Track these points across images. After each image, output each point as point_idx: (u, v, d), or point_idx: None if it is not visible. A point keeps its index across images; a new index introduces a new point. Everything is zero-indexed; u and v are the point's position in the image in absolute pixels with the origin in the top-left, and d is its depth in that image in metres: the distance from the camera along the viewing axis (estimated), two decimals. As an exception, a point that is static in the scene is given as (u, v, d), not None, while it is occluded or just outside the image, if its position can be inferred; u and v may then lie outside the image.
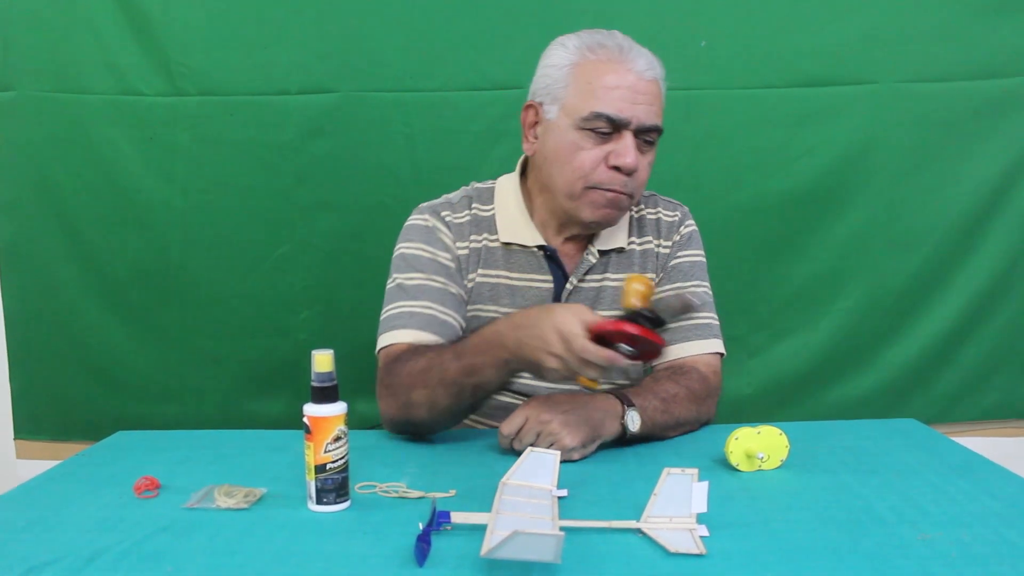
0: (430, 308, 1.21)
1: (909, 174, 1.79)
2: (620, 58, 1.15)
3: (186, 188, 1.79)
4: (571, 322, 0.97)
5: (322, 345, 0.91)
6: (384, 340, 1.21)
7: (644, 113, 1.15)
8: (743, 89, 1.76)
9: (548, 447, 1.01)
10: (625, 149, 1.15)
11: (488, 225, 1.28)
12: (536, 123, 1.23)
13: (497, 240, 1.27)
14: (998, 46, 1.74)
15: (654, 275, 1.30)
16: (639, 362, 0.96)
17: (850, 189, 1.79)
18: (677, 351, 1.26)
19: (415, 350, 1.16)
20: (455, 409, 1.12)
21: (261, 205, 1.79)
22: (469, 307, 1.26)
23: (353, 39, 1.74)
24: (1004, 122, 1.76)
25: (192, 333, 1.83)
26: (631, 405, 1.09)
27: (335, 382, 0.90)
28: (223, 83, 1.75)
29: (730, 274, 1.76)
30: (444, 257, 1.25)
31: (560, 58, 1.19)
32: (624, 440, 1.09)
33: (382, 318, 1.24)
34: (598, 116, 1.14)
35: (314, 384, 0.89)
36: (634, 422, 1.08)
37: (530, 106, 1.23)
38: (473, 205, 1.29)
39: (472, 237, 1.27)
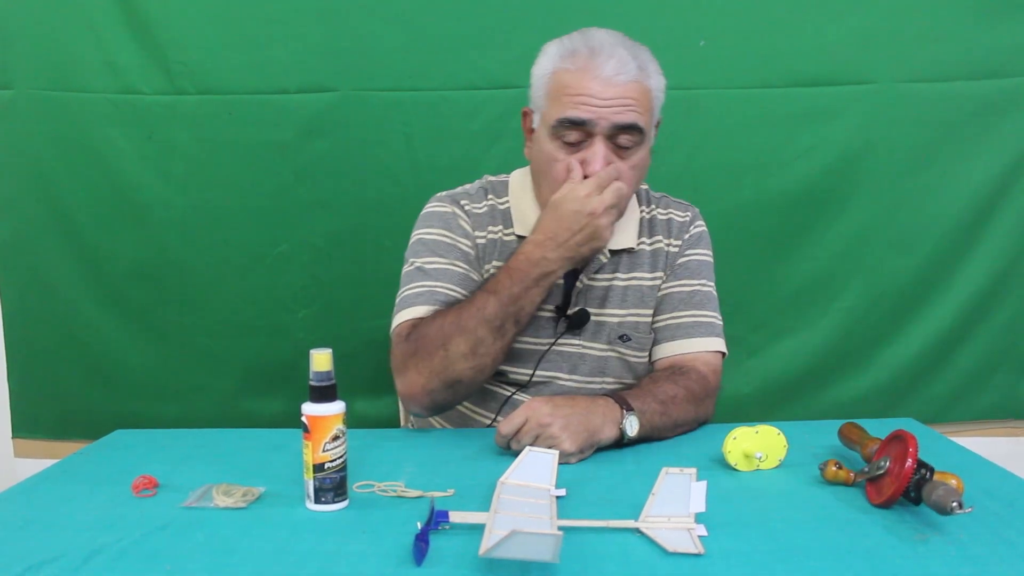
0: (452, 290, 1.20)
1: (908, 174, 1.79)
2: (587, 65, 1.13)
3: (185, 187, 1.79)
4: (570, 194, 1.11)
5: (321, 344, 0.91)
6: (401, 317, 1.20)
7: (612, 115, 1.12)
8: (742, 89, 1.76)
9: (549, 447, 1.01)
10: (593, 156, 1.13)
11: (504, 217, 1.28)
12: (532, 129, 1.24)
13: (512, 233, 1.27)
14: (997, 46, 1.74)
15: (662, 274, 1.30)
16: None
17: (849, 189, 1.80)
18: (677, 348, 1.26)
19: (435, 312, 1.16)
20: (498, 347, 1.13)
21: (260, 204, 1.79)
22: None
23: (352, 38, 1.74)
24: (1003, 122, 1.76)
25: (190, 332, 1.83)
26: (630, 410, 1.09)
27: (333, 381, 0.90)
28: (222, 82, 1.75)
29: (729, 274, 1.74)
30: (464, 244, 1.25)
31: (541, 67, 1.20)
32: (621, 443, 1.09)
33: (398, 299, 1.23)
34: (562, 123, 1.14)
35: (312, 383, 0.89)
36: (632, 427, 1.08)
37: (526, 113, 1.25)
38: (489, 196, 1.30)
39: (489, 228, 1.27)
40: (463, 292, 1.20)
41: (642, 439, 1.10)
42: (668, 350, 1.27)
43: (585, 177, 1.14)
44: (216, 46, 1.74)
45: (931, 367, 1.84)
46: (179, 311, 1.83)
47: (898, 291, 1.83)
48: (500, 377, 1.26)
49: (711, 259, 1.33)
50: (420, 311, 1.18)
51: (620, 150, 1.15)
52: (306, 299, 1.83)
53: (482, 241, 1.26)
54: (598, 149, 1.13)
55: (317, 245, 1.81)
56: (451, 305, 1.17)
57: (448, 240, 1.25)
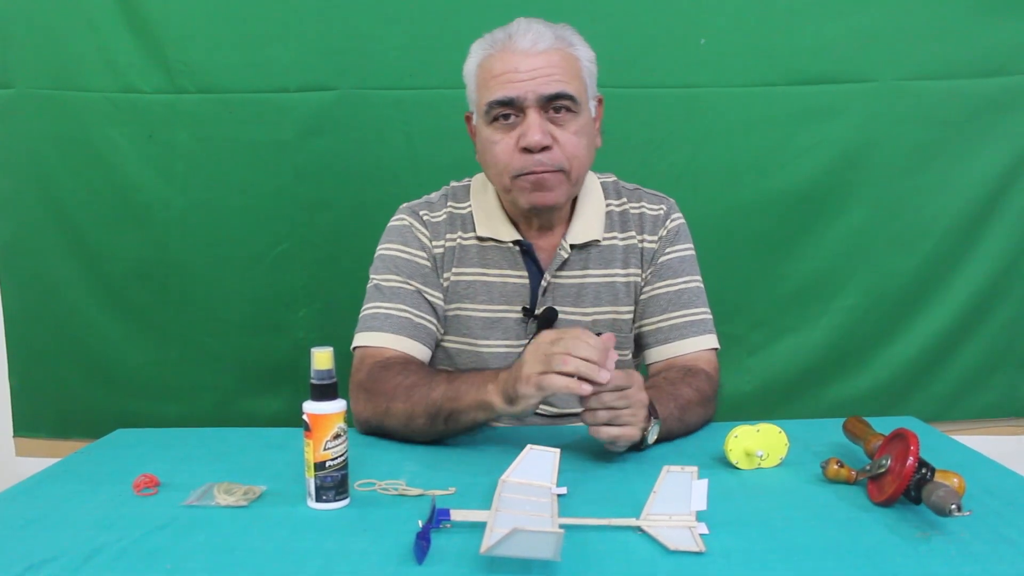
0: (406, 312, 1.23)
1: (908, 173, 1.79)
2: (505, 45, 1.17)
3: (185, 186, 1.79)
4: (544, 335, 1.01)
5: (321, 343, 0.91)
6: (360, 339, 1.23)
7: (537, 86, 1.14)
8: (742, 87, 1.76)
9: (616, 425, 0.98)
10: (528, 127, 1.15)
11: (463, 222, 1.29)
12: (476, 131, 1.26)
13: (472, 237, 1.27)
14: (998, 44, 1.74)
15: (638, 270, 1.29)
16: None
17: (849, 187, 1.79)
18: (673, 350, 1.26)
19: (406, 365, 1.17)
20: (428, 432, 1.11)
21: (260, 203, 1.79)
22: (448, 306, 1.27)
23: (352, 37, 1.74)
24: (1004, 121, 1.76)
25: (191, 331, 1.83)
26: (657, 419, 1.06)
27: (334, 379, 0.90)
28: (222, 81, 1.75)
29: (729, 272, 1.76)
30: (421, 257, 1.26)
31: (469, 66, 1.23)
32: (636, 447, 1.07)
33: (360, 316, 1.26)
34: (491, 105, 1.17)
35: (313, 382, 0.89)
36: (652, 437, 1.06)
37: (468, 117, 1.27)
38: (449, 203, 1.30)
39: (447, 236, 1.28)
40: (416, 312, 1.23)
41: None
42: (664, 352, 1.26)
43: (524, 149, 1.15)
44: (216, 45, 1.74)
45: (932, 366, 1.84)
46: (179, 311, 1.83)
47: (898, 290, 1.83)
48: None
49: (693, 252, 1.31)
50: (376, 338, 1.21)
51: (557, 116, 1.17)
52: (306, 298, 1.83)
53: (439, 251, 1.27)
54: (532, 120, 1.15)
55: (317, 244, 1.81)
56: (409, 326, 1.21)
57: (405, 256, 1.26)
